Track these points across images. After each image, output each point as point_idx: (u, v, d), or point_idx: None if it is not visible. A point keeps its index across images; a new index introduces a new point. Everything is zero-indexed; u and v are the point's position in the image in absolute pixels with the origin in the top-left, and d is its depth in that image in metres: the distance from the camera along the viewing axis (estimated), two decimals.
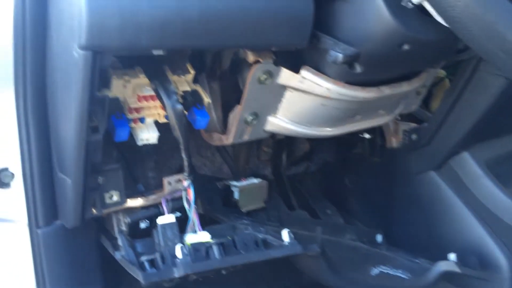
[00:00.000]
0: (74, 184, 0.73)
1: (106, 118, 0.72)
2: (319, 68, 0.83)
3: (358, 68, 0.81)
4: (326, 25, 0.79)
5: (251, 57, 0.81)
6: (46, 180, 0.80)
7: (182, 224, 0.92)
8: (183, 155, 0.84)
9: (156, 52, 0.67)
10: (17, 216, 0.86)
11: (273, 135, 1.27)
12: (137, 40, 0.62)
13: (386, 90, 0.89)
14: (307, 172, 1.41)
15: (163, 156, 1.10)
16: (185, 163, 0.84)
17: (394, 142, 1.21)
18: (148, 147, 1.15)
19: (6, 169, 0.86)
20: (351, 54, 0.73)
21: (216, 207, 1.09)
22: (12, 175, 0.86)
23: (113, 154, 0.86)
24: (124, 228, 0.90)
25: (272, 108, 0.90)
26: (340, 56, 0.72)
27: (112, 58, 0.70)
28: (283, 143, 1.32)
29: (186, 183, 0.87)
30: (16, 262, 0.89)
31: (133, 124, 0.86)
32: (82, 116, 0.66)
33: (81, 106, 0.65)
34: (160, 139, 0.87)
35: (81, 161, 0.71)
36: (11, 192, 0.86)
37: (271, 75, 0.83)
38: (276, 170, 1.35)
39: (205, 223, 0.99)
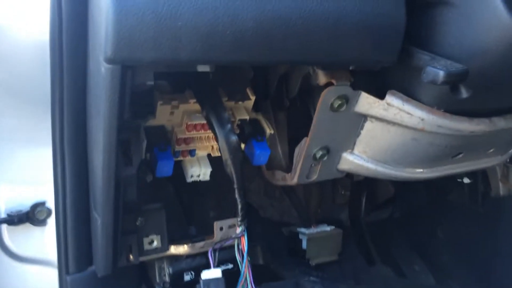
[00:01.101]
0: (103, 224, 0.61)
1: (142, 149, 0.60)
2: (410, 93, 0.65)
3: (464, 92, 0.62)
4: (420, 37, 0.62)
5: (322, 78, 0.65)
6: (81, 219, 0.69)
7: (234, 278, 0.77)
8: (237, 196, 0.69)
9: (202, 68, 0.54)
10: (51, 259, 0.76)
11: (350, 175, 1.11)
12: (175, 52, 0.50)
13: (500, 123, 0.68)
14: (391, 219, 1.26)
15: (226, 194, 0.96)
16: (239, 206, 0.69)
17: (501, 189, 1.03)
18: (209, 183, 1.04)
19: (42, 204, 0.77)
20: (457, 72, 0.54)
21: (279, 257, 0.93)
22: (49, 211, 0.77)
23: (155, 191, 0.73)
24: (167, 279, 0.76)
25: (348, 142, 0.73)
26: (440, 74, 0.54)
27: (151, 77, 0.58)
28: (363, 184, 1.16)
29: (239, 230, 0.72)
30: None
31: (181, 157, 0.74)
32: (110, 144, 0.54)
33: (108, 132, 0.53)
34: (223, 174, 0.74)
35: (110, 199, 0.59)
36: (47, 231, 0.77)
37: (348, 100, 0.67)
38: (354, 215, 1.21)
39: (264, 277, 0.83)
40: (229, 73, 0.74)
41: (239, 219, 0.70)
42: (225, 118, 0.69)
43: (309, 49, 0.56)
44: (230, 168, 0.68)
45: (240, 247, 0.72)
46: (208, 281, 0.68)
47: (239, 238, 0.72)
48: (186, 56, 0.51)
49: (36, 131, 0.70)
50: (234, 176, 0.68)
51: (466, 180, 1.08)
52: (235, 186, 0.69)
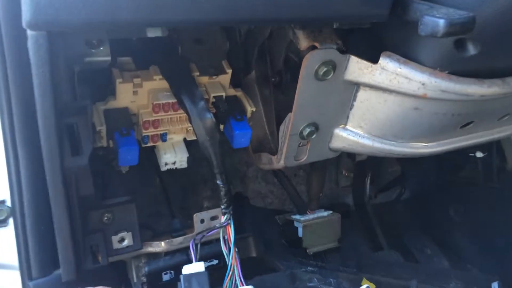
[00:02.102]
0: (57, 223, 0.53)
1: (91, 135, 0.51)
2: (407, 54, 0.56)
3: (472, 49, 0.53)
4: None
5: (303, 42, 0.56)
6: (41, 218, 0.61)
7: (221, 274, 0.68)
8: (218, 182, 0.60)
9: (152, 32, 0.45)
10: (13, 262, 0.68)
11: (351, 155, 1.02)
12: (114, 12, 0.41)
13: None
14: (399, 200, 1.18)
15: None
16: (222, 192, 0.60)
17: None
18: (202, 170, 0.95)
19: (2, 202, 0.69)
20: (460, 20, 0.45)
21: (273, 248, 0.84)
22: (10, 210, 0.69)
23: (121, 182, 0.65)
24: (144, 279, 0.68)
25: (339, 116, 0.64)
26: (441, 24, 0.44)
27: (107, 52, 0.49)
28: (367, 164, 1.07)
29: (223, 219, 0.63)
30: None
31: (151, 143, 0.65)
32: (48, 130, 0.46)
33: (43, 116, 0.45)
34: None
35: (60, 194, 0.51)
36: (9, 232, 0.69)
37: (335, 67, 0.57)
38: (359, 199, 1.14)
39: (257, 270, 0.75)
40: (201, 44, 0.65)
41: (223, 207, 0.61)
42: (197, 95, 0.60)
43: (282, 4, 0.46)
44: (208, 151, 0.59)
45: (226, 239, 0.63)
46: (189, 276, 0.60)
47: (224, 228, 0.63)
48: (128, 16, 0.42)
49: None
50: (213, 159, 0.59)
51: (478, 154, 1.00)
52: (216, 171, 0.60)
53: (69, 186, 0.51)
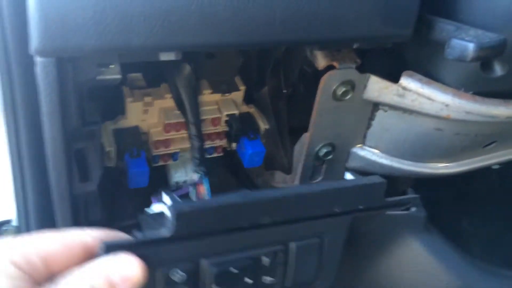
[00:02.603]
0: None
1: (100, 160, 0.49)
2: (430, 73, 0.53)
3: (499, 70, 0.50)
4: (441, 3, 0.49)
5: (321, 61, 0.54)
6: None
7: None
8: (191, 133, 0.57)
9: (165, 56, 0.43)
10: None
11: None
12: (125, 37, 0.39)
13: None
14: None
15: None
16: (195, 147, 0.57)
17: None
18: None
19: (8, 222, 0.68)
20: (491, 44, 0.42)
21: None
22: (16, 229, 0.67)
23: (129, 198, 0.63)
24: None
25: (357, 136, 0.61)
26: (470, 48, 0.42)
27: (117, 70, 0.47)
28: None
29: (195, 176, 0.59)
30: None
31: (161, 162, 0.63)
32: (56, 157, 0.44)
33: (52, 142, 0.43)
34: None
35: (67, 221, 0.49)
36: None
37: (354, 86, 0.55)
38: None
39: None
40: (213, 59, 0.63)
41: (195, 163, 0.57)
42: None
43: (300, 25, 0.44)
44: (183, 97, 0.56)
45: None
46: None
47: (194, 187, 0.59)
48: (140, 41, 0.39)
49: None
50: (187, 107, 0.56)
51: (495, 166, 0.97)
52: (189, 120, 0.56)
53: (77, 212, 0.49)
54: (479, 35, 0.44)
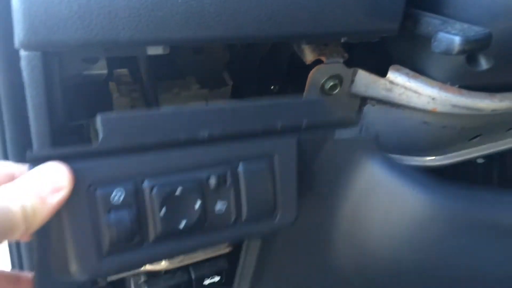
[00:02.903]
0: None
1: None
2: (417, 67, 0.54)
3: (484, 63, 0.51)
4: None
5: (309, 55, 0.54)
6: None
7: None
8: None
9: (153, 51, 0.43)
10: None
11: None
12: (112, 30, 0.38)
13: None
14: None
15: None
16: None
17: None
18: None
19: None
20: (477, 37, 0.43)
21: None
22: None
23: None
24: None
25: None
26: (456, 42, 0.42)
27: (103, 65, 0.47)
28: None
29: None
30: None
31: None
32: None
33: (39, 140, 0.42)
34: None
35: None
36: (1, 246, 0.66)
37: (341, 81, 0.55)
38: None
39: None
40: (200, 55, 0.63)
41: None
42: None
43: (287, 19, 0.44)
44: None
45: None
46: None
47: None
48: (127, 35, 0.39)
49: None
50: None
51: (479, 160, 0.97)
52: None
53: None
54: (465, 28, 0.44)
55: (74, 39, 0.38)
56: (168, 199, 0.36)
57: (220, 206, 0.39)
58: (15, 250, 0.58)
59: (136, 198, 0.35)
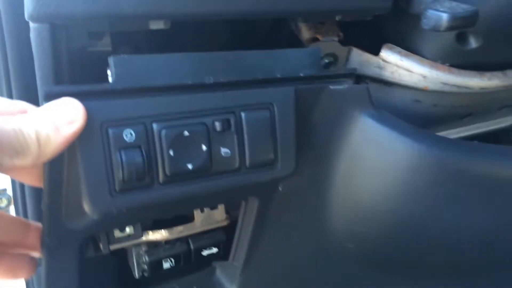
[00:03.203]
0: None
1: None
2: (409, 46, 0.56)
3: (473, 42, 0.53)
4: None
5: (305, 33, 0.56)
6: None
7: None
8: None
9: (155, 25, 0.45)
10: None
11: None
12: (115, 3, 0.40)
13: None
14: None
15: None
16: None
17: None
18: None
19: (3, 191, 0.70)
20: (463, 14, 0.45)
21: None
22: (11, 199, 0.70)
23: None
24: (145, 267, 0.69)
25: None
26: (444, 18, 0.44)
27: (107, 42, 0.49)
28: None
29: None
30: None
31: None
32: None
33: None
34: None
35: None
36: None
37: (336, 59, 0.57)
38: None
39: None
40: (200, 34, 0.65)
41: None
42: None
43: None
44: None
45: None
46: None
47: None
48: (130, 9, 0.41)
49: None
50: None
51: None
52: None
53: None
54: (453, 6, 0.46)
55: (81, 12, 0.40)
56: (176, 141, 0.38)
57: (225, 151, 0.41)
58: (21, 202, 0.61)
59: (146, 138, 0.37)
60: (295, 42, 0.65)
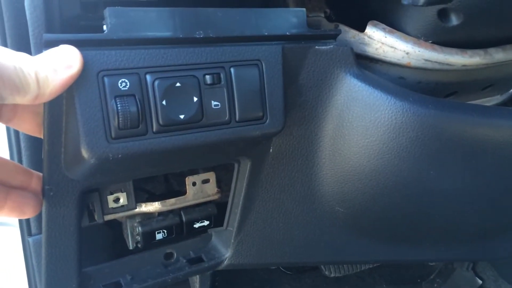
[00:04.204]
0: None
1: None
2: (393, 23, 0.58)
3: (454, 19, 0.54)
4: None
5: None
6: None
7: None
8: None
9: None
10: (12, 220, 0.71)
11: None
12: None
13: (497, 55, 0.60)
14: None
15: None
16: None
17: None
18: None
19: None
20: None
21: None
22: None
23: None
24: (139, 238, 0.71)
25: None
26: None
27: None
28: None
29: None
30: (12, 267, 0.75)
31: None
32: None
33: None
34: None
35: None
36: None
37: None
38: None
39: None
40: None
41: None
42: None
43: None
44: None
45: None
46: None
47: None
48: None
49: None
50: None
51: None
52: None
53: None
54: None
55: None
56: (168, 92, 0.40)
57: (215, 103, 0.43)
58: (17, 156, 0.62)
59: (140, 88, 0.39)
60: None
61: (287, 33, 0.46)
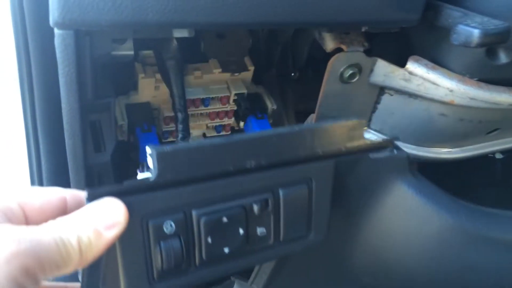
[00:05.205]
0: None
1: (114, 132, 0.51)
2: (436, 59, 0.55)
3: (503, 57, 0.51)
4: None
5: (329, 43, 0.55)
6: None
7: None
8: (175, 103, 0.57)
9: (179, 33, 0.45)
10: None
11: None
12: (141, 12, 0.40)
13: None
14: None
15: None
16: (179, 116, 0.57)
17: None
18: None
19: None
20: (496, 30, 0.43)
21: None
22: None
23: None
24: None
25: (362, 118, 0.62)
26: (475, 34, 0.43)
27: (130, 46, 0.49)
28: None
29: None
30: None
31: (171, 138, 0.65)
32: (73, 128, 0.46)
33: (69, 114, 0.45)
34: None
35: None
36: None
37: (361, 69, 0.56)
38: None
39: None
40: (223, 39, 0.64)
41: (180, 135, 0.57)
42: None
43: (309, 6, 0.45)
44: (169, 70, 0.57)
45: None
46: None
47: None
48: (155, 17, 0.41)
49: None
50: (173, 80, 0.56)
51: (498, 156, 0.96)
52: (174, 93, 0.57)
53: (91, 183, 0.51)
54: (484, 22, 0.45)
55: (105, 20, 0.40)
56: (214, 227, 0.38)
57: (261, 230, 0.40)
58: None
59: (185, 227, 0.37)
60: (317, 50, 0.64)
61: (343, 149, 0.42)
